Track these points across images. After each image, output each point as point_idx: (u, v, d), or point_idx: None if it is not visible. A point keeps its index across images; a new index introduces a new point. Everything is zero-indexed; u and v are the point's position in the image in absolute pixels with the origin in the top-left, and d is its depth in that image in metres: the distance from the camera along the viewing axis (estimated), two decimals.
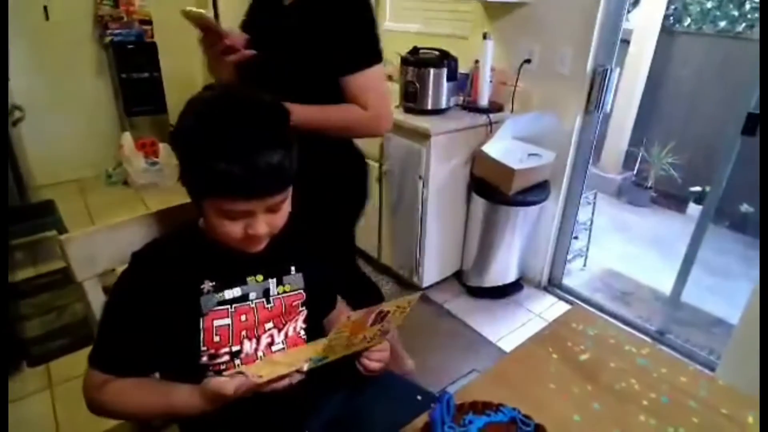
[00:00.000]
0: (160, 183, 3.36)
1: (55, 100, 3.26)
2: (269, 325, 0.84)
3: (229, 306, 0.80)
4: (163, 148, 3.38)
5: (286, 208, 0.79)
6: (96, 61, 3.34)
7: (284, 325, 0.86)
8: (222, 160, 0.67)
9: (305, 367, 0.71)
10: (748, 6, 3.43)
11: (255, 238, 0.76)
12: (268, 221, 0.76)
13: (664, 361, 0.90)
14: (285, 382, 0.75)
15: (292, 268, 0.88)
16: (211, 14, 3.45)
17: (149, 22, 3.27)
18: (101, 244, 0.84)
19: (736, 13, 3.47)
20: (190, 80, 3.73)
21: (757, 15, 3.38)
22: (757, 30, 3.35)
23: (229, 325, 0.80)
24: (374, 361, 0.82)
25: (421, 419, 0.73)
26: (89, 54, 3.31)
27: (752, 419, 0.78)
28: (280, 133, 0.73)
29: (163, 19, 3.37)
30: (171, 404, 0.77)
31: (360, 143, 1.34)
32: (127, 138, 3.27)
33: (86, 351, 1.92)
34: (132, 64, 3.21)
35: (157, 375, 0.84)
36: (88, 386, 0.79)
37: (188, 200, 0.93)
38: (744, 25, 3.44)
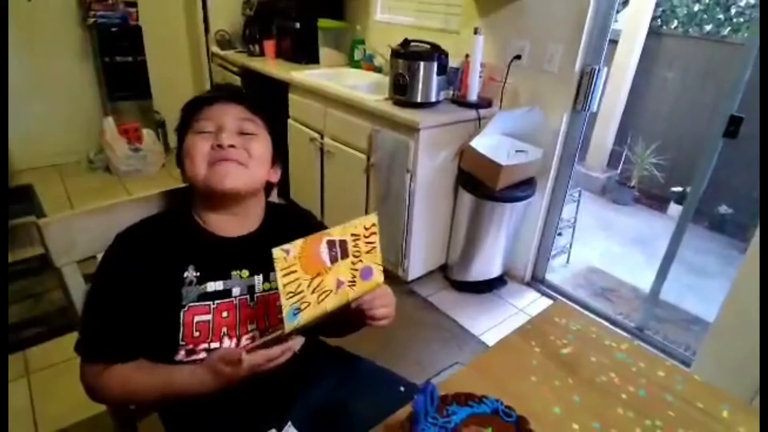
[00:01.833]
0: (143, 170, 3.31)
1: (36, 82, 3.16)
2: (252, 326, 0.83)
3: (210, 302, 0.79)
4: (147, 134, 3.32)
5: (261, 142, 0.84)
6: (78, 44, 3.25)
7: (266, 325, 0.85)
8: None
9: (286, 328, 0.67)
10: (733, 11, 3.49)
11: (222, 152, 0.78)
12: (239, 142, 0.81)
13: (642, 356, 0.91)
14: (289, 353, 0.72)
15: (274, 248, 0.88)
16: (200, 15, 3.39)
17: (134, 5, 3.19)
18: (80, 229, 0.82)
19: (721, 17, 3.53)
20: (175, 65, 3.67)
21: (741, 20, 3.45)
22: (740, 34, 3.41)
23: (209, 321, 0.79)
24: (379, 308, 0.78)
25: (405, 410, 0.73)
26: (72, 36, 3.21)
27: (726, 413, 0.79)
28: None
29: (149, 1, 3.30)
30: (175, 382, 0.75)
31: (348, 135, 1.32)
32: (110, 123, 3.20)
33: (64, 339, 1.89)
34: (116, 47, 3.14)
35: None
36: (85, 376, 0.77)
37: (171, 187, 0.93)
38: (729, 29, 3.50)
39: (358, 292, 0.75)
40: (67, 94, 3.32)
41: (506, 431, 0.63)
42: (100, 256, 0.84)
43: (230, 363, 0.70)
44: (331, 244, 0.68)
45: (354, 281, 0.73)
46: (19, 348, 1.79)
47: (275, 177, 0.89)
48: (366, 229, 0.72)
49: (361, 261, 0.73)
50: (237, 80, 3.10)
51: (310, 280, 0.66)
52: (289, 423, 0.83)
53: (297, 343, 0.73)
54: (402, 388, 0.92)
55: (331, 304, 0.70)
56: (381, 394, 0.89)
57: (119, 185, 3.19)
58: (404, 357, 1.81)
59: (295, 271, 0.64)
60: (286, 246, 0.62)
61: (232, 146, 0.79)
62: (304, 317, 0.67)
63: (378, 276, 0.77)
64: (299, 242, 0.64)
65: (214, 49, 3.41)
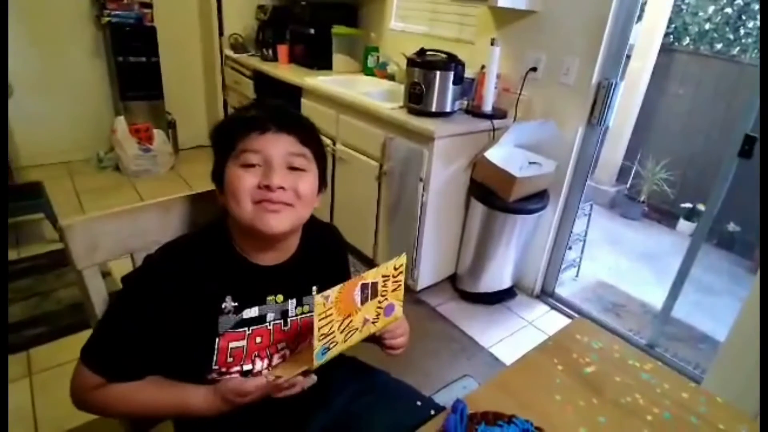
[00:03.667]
0: (153, 170, 3.30)
1: (46, 79, 3.17)
2: (282, 345, 0.83)
3: (246, 328, 0.78)
4: (158, 134, 3.31)
5: (309, 179, 0.78)
6: (91, 41, 3.26)
7: (297, 346, 0.85)
8: (239, 112, 0.81)
9: (314, 365, 0.69)
10: (742, 31, 3.50)
11: (269, 194, 0.72)
12: (287, 179, 0.74)
13: (666, 376, 0.90)
14: (298, 388, 0.74)
15: (314, 288, 0.86)
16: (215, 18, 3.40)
17: (149, 5, 3.19)
18: (103, 231, 0.81)
19: (731, 37, 3.54)
20: (189, 67, 3.68)
21: (750, 41, 3.45)
22: (749, 55, 3.42)
23: (243, 346, 0.78)
24: (397, 337, 0.82)
25: (431, 426, 0.71)
26: (84, 33, 3.22)
27: None
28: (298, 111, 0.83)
29: (164, 3, 3.31)
30: (183, 404, 0.75)
31: (361, 142, 1.31)
32: (121, 122, 3.20)
33: (68, 340, 1.85)
34: (129, 47, 3.14)
35: None
36: (81, 386, 0.74)
37: (193, 191, 0.91)
38: (738, 48, 3.51)
39: (379, 327, 0.77)
40: (79, 92, 3.33)
41: None
42: (112, 264, 0.83)
43: (240, 395, 0.72)
44: (364, 287, 0.69)
45: (377, 318, 0.75)
46: (22, 348, 1.76)
47: (319, 202, 0.85)
48: (395, 269, 0.73)
49: (386, 299, 0.75)
50: (249, 84, 3.11)
51: (341, 321, 0.68)
52: None
53: (309, 381, 0.75)
54: (419, 403, 0.91)
55: (355, 340, 0.73)
56: (398, 409, 0.87)
57: (128, 185, 3.18)
58: (412, 367, 1.79)
59: (331, 315, 0.66)
60: (326, 293, 0.64)
61: (281, 188, 0.73)
62: (331, 354, 0.70)
63: (398, 311, 0.79)
64: (337, 288, 0.65)
65: (228, 52, 3.42)
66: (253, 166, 0.73)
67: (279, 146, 0.74)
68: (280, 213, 0.74)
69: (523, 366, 0.89)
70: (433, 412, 0.86)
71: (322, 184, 0.84)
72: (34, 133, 3.20)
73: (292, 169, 0.75)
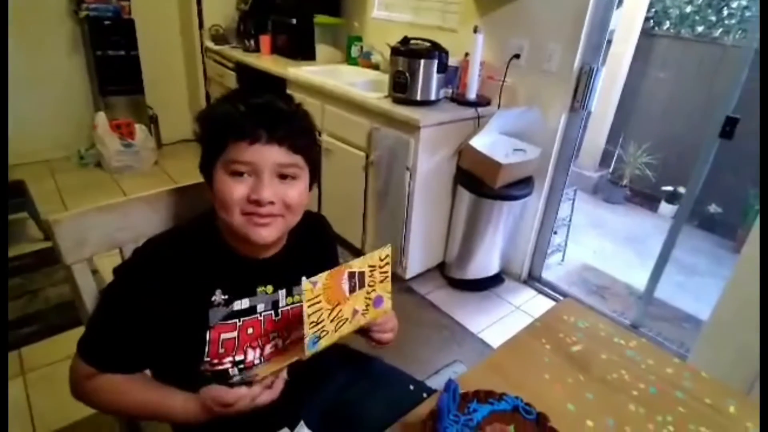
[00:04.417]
0: (135, 166, 3.26)
1: (25, 76, 3.09)
2: (274, 334, 0.83)
3: (237, 319, 0.78)
4: (140, 129, 3.27)
5: (299, 187, 0.77)
6: (70, 37, 3.19)
7: (288, 335, 0.85)
8: (227, 104, 0.74)
9: (306, 354, 0.70)
10: (725, 12, 3.54)
11: (259, 209, 0.72)
12: (277, 191, 0.73)
13: (650, 353, 0.93)
14: (276, 390, 0.74)
15: (303, 279, 0.87)
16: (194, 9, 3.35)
17: None
18: (91, 226, 0.80)
19: (713, 19, 3.58)
20: (168, 60, 3.62)
21: (733, 21, 3.50)
22: (732, 36, 3.47)
23: (234, 338, 0.78)
24: (387, 332, 0.83)
25: (422, 408, 0.73)
26: (63, 29, 3.15)
27: (733, 408, 0.81)
28: (290, 103, 0.77)
29: None
30: (165, 408, 0.75)
31: (347, 132, 1.30)
32: (102, 118, 3.15)
33: (60, 338, 1.85)
34: (108, 41, 3.08)
35: (148, 372, 0.82)
36: (76, 374, 0.75)
37: (179, 184, 0.91)
38: (720, 30, 3.56)
39: (369, 319, 0.78)
40: (58, 89, 3.26)
41: (527, 429, 0.63)
42: (100, 264, 0.82)
43: (221, 405, 0.71)
44: (351, 275, 0.70)
45: (367, 309, 0.76)
46: (14, 346, 1.75)
47: (308, 198, 0.84)
48: (381, 260, 0.74)
49: (374, 290, 0.76)
50: (232, 76, 3.08)
51: (330, 310, 0.69)
52: (302, 422, 0.83)
53: (281, 381, 0.75)
54: (411, 387, 0.93)
55: (346, 331, 0.74)
56: (391, 393, 0.89)
57: (111, 181, 3.14)
58: (403, 355, 1.81)
59: (320, 302, 0.66)
60: (314, 278, 0.65)
61: (270, 202, 0.72)
62: (322, 344, 0.70)
63: (387, 304, 0.80)
64: (325, 274, 0.66)
65: (209, 44, 3.37)
66: (242, 174, 0.72)
67: (269, 157, 0.72)
68: (270, 225, 0.75)
69: (512, 347, 0.92)
70: (425, 395, 0.88)
71: (313, 181, 0.83)
72: (14, 131, 3.09)
73: (283, 176, 0.74)
